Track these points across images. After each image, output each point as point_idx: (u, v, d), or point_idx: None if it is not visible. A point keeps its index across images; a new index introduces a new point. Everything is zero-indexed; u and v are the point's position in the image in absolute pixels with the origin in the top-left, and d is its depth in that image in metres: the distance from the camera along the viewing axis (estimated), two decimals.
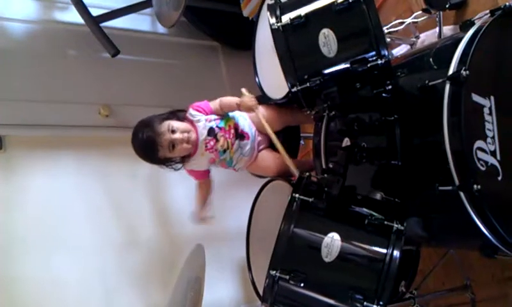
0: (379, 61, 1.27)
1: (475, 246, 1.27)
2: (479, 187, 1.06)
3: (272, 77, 1.60)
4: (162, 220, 2.50)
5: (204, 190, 1.86)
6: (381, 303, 1.23)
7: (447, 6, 1.77)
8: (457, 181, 1.10)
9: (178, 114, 1.69)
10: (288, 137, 1.89)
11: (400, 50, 1.95)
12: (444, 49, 1.32)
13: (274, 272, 1.30)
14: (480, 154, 1.11)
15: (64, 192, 2.34)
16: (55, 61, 2.51)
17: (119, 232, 2.37)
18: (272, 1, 1.45)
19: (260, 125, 1.76)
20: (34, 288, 2.10)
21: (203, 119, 1.69)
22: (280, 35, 1.36)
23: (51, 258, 2.19)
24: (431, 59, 1.28)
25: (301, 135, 2.04)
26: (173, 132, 1.61)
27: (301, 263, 1.33)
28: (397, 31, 1.83)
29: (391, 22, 1.87)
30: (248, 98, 1.68)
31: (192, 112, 1.70)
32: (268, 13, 1.40)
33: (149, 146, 1.61)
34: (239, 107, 1.69)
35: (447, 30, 1.80)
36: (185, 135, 1.64)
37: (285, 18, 1.35)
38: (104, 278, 2.27)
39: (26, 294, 2.09)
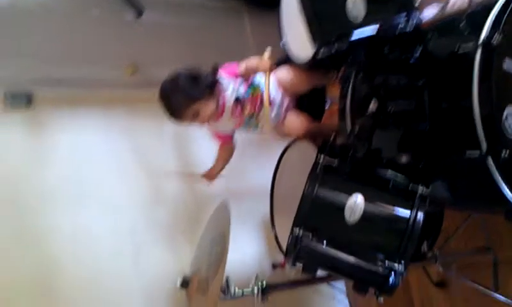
0: (409, 26, 1.25)
1: (500, 211, 1.28)
2: (507, 152, 1.07)
3: (299, 39, 1.59)
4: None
5: (223, 154, 1.91)
6: (402, 262, 1.27)
7: None
8: (485, 147, 1.10)
9: (211, 80, 1.68)
10: (314, 99, 1.89)
11: (430, 13, 1.89)
12: (476, 13, 1.29)
13: (298, 229, 1.34)
14: (511, 120, 1.10)
15: (93, 149, 2.39)
16: (81, 20, 2.50)
17: (146, 188, 2.43)
18: None
19: (286, 86, 1.77)
20: (64, 242, 2.18)
21: (231, 86, 1.70)
22: None
23: (80, 212, 2.25)
24: (462, 24, 1.25)
25: (327, 97, 2.03)
26: (197, 116, 1.65)
27: (324, 222, 1.37)
28: None
29: None
30: (265, 61, 1.68)
31: (221, 76, 1.71)
32: None
33: (169, 114, 1.67)
34: (258, 68, 1.69)
35: None
36: (206, 121, 1.70)
37: None
38: (133, 232, 2.34)
39: (56, 248, 2.17)
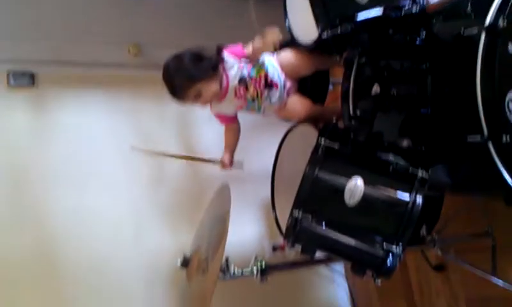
0: (414, 9, 1.24)
1: (499, 196, 1.28)
2: (508, 137, 1.07)
3: (303, 21, 1.58)
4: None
5: (231, 136, 1.90)
6: (400, 244, 1.28)
7: None
8: (486, 132, 1.10)
9: (215, 60, 1.67)
10: (317, 82, 1.89)
11: None
12: None
13: (297, 211, 1.35)
14: None
15: (95, 129, 2.40)
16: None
17: (148, 169, 2.45)
18: None
19: (289, 69, 1.77)
20: (66, 221, 2.21)
21: (235, 67, 1.70)
22: None
23: (83, 192, 2.28)
24: (468, 7, 1.24)
25: (330, 80, 2.03)
26: (199, 96, 1.65)
27: (323, 204, 1.38)
28: None
29: None
30: (270, 33, 1.66)
31: (226, 57, 1.70)
32: None
33: (171, 93, 1.66)
34: (265, 46, 1.67)
35: None
36: (208, 101, 1.70)
37: None
38: (135, 212, 2.37)
39: (59, 226, 2.20)
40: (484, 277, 1.65)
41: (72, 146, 2.33)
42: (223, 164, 1.91)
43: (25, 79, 2.31)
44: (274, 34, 1.65)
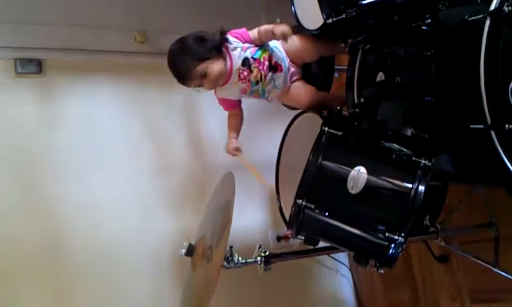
0: None
1: (502, 185, 1.27)
2: (510, 126, 1.05)
3: (309, 7, 1.57)
4: (195, 148, 2.57)
5: (234, 121, 1.89)
6: (402, 234, 1.27)
7: None
8: (489, 120, 1.09)
9: (219, 41, 1.66)
10: (322, 69, 1.88)
11: None
12: None
13: (301, 200, 1.34)
14: None
15: (102, 117, 2.41)
16: None
17: (154, 157, 2.46)
18: None
19: (294, 54, 1.76)
20: (73, 208, 2.22)
21: (239, 48, 1.69)
22: None
23: (89, 179, 2.29)
24: None
25: (336, 67, 2.01)
26: (205, 76, 1.65)
27: (326, 193, 1.37)
28: None
29: None
30: (283, 25, 1.64)
31: (230, 38, 1.69)
32: None
33: (177, 76, 1.67)
34: (274, 34, 1.65)
35: None
36: (214, 81, 1.68)
37: None
38: (140, 200, 2.38)
39: (65, 214, 2.20)
40: (487, 268, 1.65)
41: (79, 133, 2.33)
42: (229, 151, 1.89)
43: (33, 66, 2.32)
44: (285, 28, 1.63)
